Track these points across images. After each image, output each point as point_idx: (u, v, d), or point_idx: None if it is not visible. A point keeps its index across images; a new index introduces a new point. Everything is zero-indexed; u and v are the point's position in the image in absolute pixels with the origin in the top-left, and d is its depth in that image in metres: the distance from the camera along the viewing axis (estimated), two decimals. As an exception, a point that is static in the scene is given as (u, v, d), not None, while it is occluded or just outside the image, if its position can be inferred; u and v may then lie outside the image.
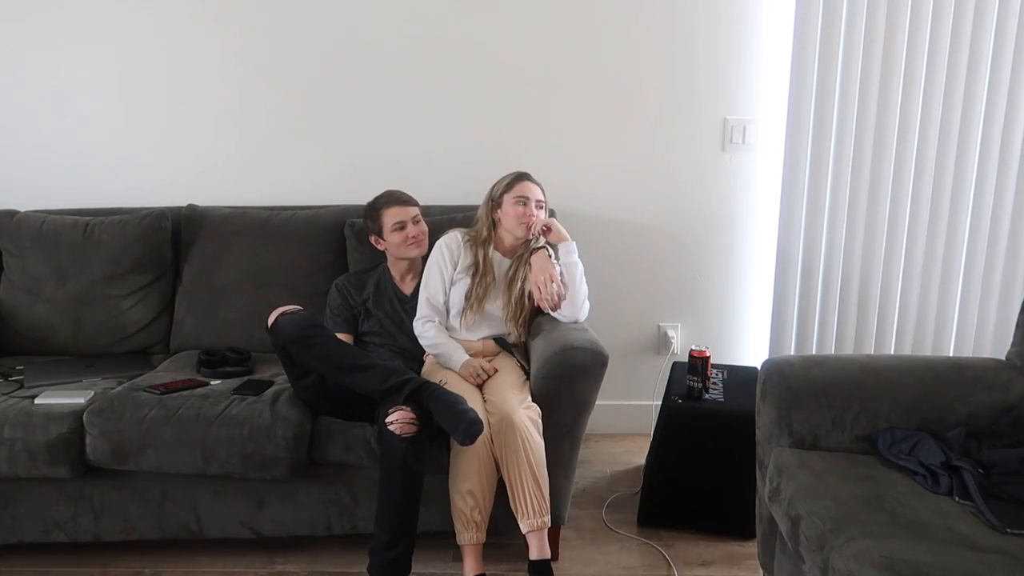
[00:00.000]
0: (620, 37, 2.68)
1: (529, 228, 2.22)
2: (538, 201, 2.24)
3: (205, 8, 2.65)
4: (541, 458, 1.93)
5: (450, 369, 2.15)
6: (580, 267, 2.21)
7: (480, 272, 2.23)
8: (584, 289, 2.21)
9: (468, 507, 1.90)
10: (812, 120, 2.64)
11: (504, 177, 2.28)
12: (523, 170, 2.29)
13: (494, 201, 2.27)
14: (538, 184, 2.27)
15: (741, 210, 2.81)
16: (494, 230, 2.28)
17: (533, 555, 1.92)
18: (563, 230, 2.25)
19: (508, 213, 2.23)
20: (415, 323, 2.26)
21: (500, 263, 2.28)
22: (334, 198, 2.70)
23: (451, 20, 2.67)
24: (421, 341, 2.24)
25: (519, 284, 2.24)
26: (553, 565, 2.09)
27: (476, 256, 2.24)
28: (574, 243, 2.23)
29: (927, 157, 2.66)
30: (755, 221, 2.82)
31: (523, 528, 1.92)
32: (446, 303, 2.25)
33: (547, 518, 1.92)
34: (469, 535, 1.91)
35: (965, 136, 2.63)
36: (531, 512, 1.90)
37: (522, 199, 2.22)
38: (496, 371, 2.12)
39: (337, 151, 2.76)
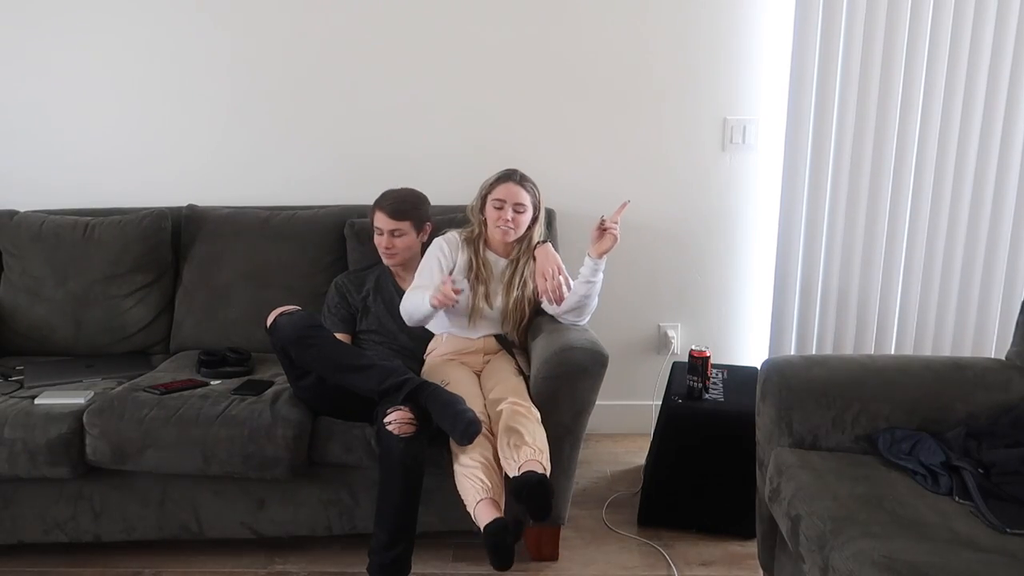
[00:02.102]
0: (621, 37, 2.68)
1: (504, 233, 2.19)
2: (517, 204, 2.19)
3: (204, 8, 2.65)
4: (542, 435, 1.86)
5: (427, 301, 2.05)
6: (599, 285, 2.16)
7: (474, 270, 2.22)
8: (596, 302, 2.18)
9: (473, 470, 1.79)
10: (812, 120, 2.64)
11: (493, 175, 2.26)
12: (513, 168, 2.26)
13: (482, 201, 2.26)
14: (524, 185, 2.21)
15: (741, 210, 2.81)
16: (484, 228, 2.27)
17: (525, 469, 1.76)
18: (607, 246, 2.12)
19: (488, 215, 2.23)
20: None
21: (496, 262, 2.27)
22: (334, 198, 2.70)
23: (452, 20, 2.66)
24: (403, 303, 2.19)
25: (516, 291, 2.22)
26: (553, 565, 2.10)
27: (470, 255, 2.24)
28: (603, 263, 2.14)
29: (927, 157, 2.66)
30: (755, 221, 2.82)
31: (520, 462, 1.78)
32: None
33: (546, 462, 1.81)
34: (484, 487, 1.76)
35: (965, 135, 2.63)
36: (531, 458, 1.78)
37: (498, 202, 2.20)
38: (458, 293, 2.03)
39: (337, 151, 2.76)
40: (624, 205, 2.11)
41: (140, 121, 2.73)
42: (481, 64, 2.70)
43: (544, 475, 1.76)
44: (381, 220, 2.28)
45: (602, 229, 2.08)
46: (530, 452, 1.80)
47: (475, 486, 1.79)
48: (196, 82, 2.71)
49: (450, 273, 2.21)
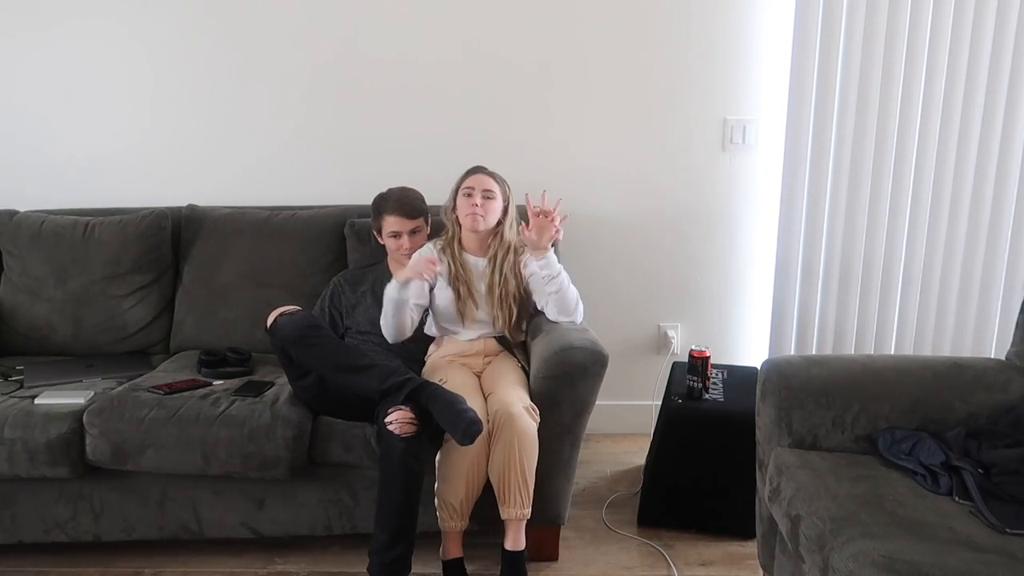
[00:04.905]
0: (620, 38, 2.68)
1: (474, 219, 2.17)
2: (485, 190, 2.19)
3: (205, 9, 2.65)
4: (533, 455, 1.93)
5: (402, 282, 2.09)
6: (564, 274, 2.16)
7: (454, 273, 2.21)
8: (573, 291, 2.16)
9: (458, 499, 1.92)
10: (812, 120, 2.64)
11: (461, 175, 2.26)
12: (479, 164, 2.26)
13: (453, 200, 2.25)
14: (492, 176, 2.23)
15: (741, 210, 2.81)
16: (458, 229, 2.26)
17: (508, 545, 1.95)
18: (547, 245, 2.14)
19: (459, 206, 2.21)
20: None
21: (475, 263, 2.25)
22: (334, 198, 2.70)
23: (450, 22, 2.67)
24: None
25: (498, 289, 2.21)
26: (553, 565, 2.10)
27: (448, 261, 2.23)
28: (551, 253, 2.14)
29: (927, 156, 2.66)
30: (755, 221, 2.82)
31: (503, 515, 1.94)
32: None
33: (527, 511, 1.93)
34: (453, 523, 1.94)
35: (965, 135, 2.63)
36: (513, 502, 1.92)
37: (467, 190, 2.20)
38: (436, 264, 2.07)
39: (337, 152, 2.76)
40: (543, 194, 2.09)
41: (140, 121, 2.73)
42: (481, 65, 2.70)
43: (521, 552, 1.95)
44: (398, 223, 2.27)
45: (536, 218, 2.06)
46: (519, 506, 1.92)
47: (444, 516, 1.94)
48: (196, 83, 2.71)
49: (431, 289, 2.23)
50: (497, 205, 2.22)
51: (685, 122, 2.74)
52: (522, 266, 2.24)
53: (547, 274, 2.12)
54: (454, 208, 2.24)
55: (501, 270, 2.22)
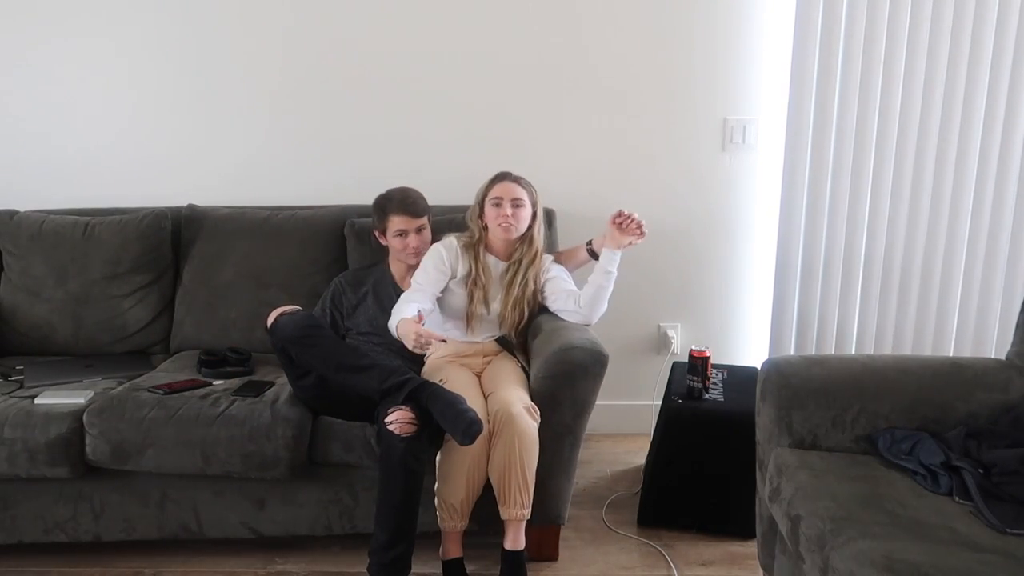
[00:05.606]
0: (620, 38, 2.68)
1: (506, 229, 2.19)
2: (514, 199, 2.20)
3: (206, 10, 2.65)
4: (533, 455, 1.93)
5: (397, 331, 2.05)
6: (614, 280, 2.20)
7: (472, 275, 2.22)
8: (606, 304, 2.20)
9: (458, 499, 1.92)
10: (812, 120, 2.64)
11: (487, 180, 2.26)
12: (506, 170, 2.27)
13: (480, 206, 2.26)
14: (519, 182, 2.23)
15: (741, 210, 2.81)
16: (485, 233, 2.27)
17: (508, 545, 1.95)
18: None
19: (489, 217, 2.22)
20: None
21: (495, 265, 2.27)
22: (334, 198, 2.70)
23: (451, 23, 2.67)
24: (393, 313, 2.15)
25: (516, 291, 2.22)
26: (553, 565, 2.10)
27: (469, 261, 2.23)
28: (619, 254, 2.20)
29: (927, 157, 2.66)
30: (755, 221, 2.82)
31: (502, 515, 1.94)
32: (433, 294, 2.19)
33: (527, 511, 1.94)
34: (453, 523, 1.94)
35: (965, 135, 2.63)
36: (513, 503, 1.92)
37: (496, 200, 2.20)
38: (444, 340, 1.99)
39: (337, 152, 2.76)
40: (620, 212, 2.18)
41: (140, 121, 2.73)
42: (481, 64, 2.70)
43: (520, 552, 1.96)
44: (404, 222, 2.27)
45: (620, 223, 2.15)
46: (518, 506, 1.92)
47: (444, 516, 1.95)
48: (196, 83, 2.71)
49: (451, 279, 2.23)
50: (527, 212, 2.23)
51: (685, 122, 2.74)
52: (543, 271, 2.27)
53: (609, 269, 2.18)
54: (481, 215, 2.25)
55: (524, 273, 2.23)
